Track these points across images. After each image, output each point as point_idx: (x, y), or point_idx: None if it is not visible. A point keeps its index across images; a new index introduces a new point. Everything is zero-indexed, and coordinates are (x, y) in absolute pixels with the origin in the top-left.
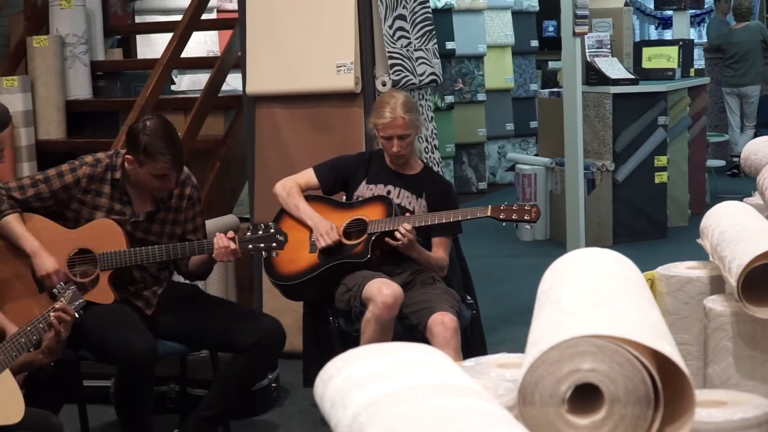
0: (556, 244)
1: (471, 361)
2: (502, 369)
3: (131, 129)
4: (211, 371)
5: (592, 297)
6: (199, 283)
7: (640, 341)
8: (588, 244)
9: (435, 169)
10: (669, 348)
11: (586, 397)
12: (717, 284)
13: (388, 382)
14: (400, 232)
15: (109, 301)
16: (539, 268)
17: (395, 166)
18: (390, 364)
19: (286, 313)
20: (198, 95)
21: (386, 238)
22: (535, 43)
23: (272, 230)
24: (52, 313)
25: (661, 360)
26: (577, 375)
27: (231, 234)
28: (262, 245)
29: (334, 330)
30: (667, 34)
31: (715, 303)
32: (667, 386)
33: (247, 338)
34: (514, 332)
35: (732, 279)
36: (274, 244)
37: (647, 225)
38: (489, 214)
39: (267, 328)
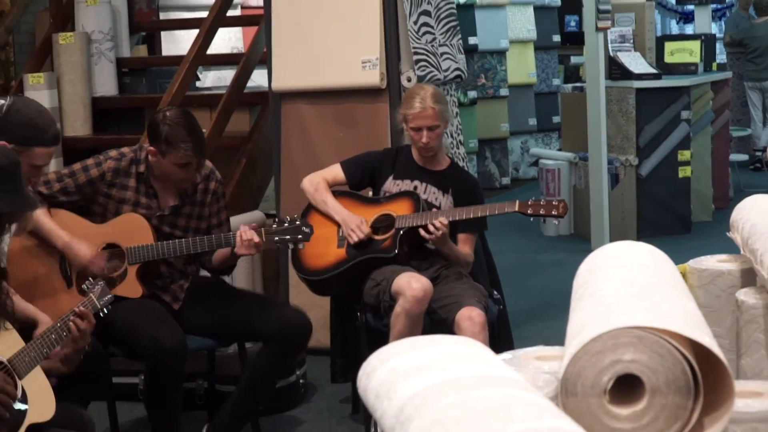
0: (581, 239)
1: (508, 354)
2: (540, 361)
3: (152, 120)
4: (239, 367)
5: (630, 289)
6: (226, 278)
7: (680, 332)
8: (612, 239)
9: (461, 164)
10: (708, 339)
11: (627, 387)
12: (748, 277)
13: (433, 373)
14: (434, 225)
15: (137, 295)
16: (564, 263)
17: (423, 160)
18: (433, 356)
19: (313, 309)
20: (223, 91)
21: (421, 231)
22: (557, 38)
23: (298, 222)
24: (71, 317)
25: (699, 351)
26: (618, 366)
27: (254, 225)
28: (288, 237)
29: (362, 325)
30: (689, 29)
31: (747, 296)
32: (706, 377)
33: (271, 325)
34: (541, 327)
35: (764, 271)
36: (300, 236)
37: (671, 219)
38: (517, 209)
39: (290, 316)
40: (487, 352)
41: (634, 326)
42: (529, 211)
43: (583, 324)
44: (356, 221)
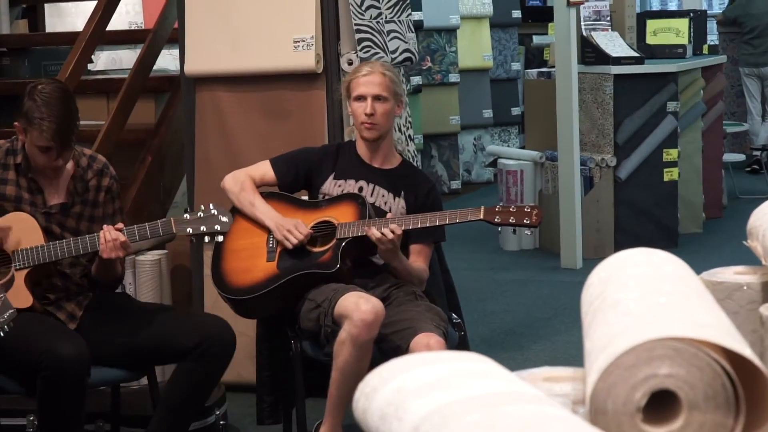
0: (547, 255)
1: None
2: (550, 383)
3: (23, 92)
4: (148, 405)
5: (658, 299)
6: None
7: (720, 344)
8: (586, 254)
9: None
10: (749, 351)
11: (661, 404)
12: None
13: (450, 391)
14: (384, 235)
15: (27, 305)
16: (528, 283)
17: (370, 157)
18: (445, 373)
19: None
20: (120, 76)
21: (369, 230)
22: (517, 13)
23: (214, 211)
24: None
25: (737, 365)
26: (653, 381)
27: (120, 225)
28: (204, 229)
29: (296, 355)
30: (672, 5)
31: None
32: (746, 392)
33: (189, 340)
34: (505, 358)
35: None
36: (218, 227)
37: (655, 231)
38: (482, 216)
39: (212, 326)
40: (502, 368)
41: (670, 337)
42: (496, 219)
43: (610, 337)
44: (291, 223)
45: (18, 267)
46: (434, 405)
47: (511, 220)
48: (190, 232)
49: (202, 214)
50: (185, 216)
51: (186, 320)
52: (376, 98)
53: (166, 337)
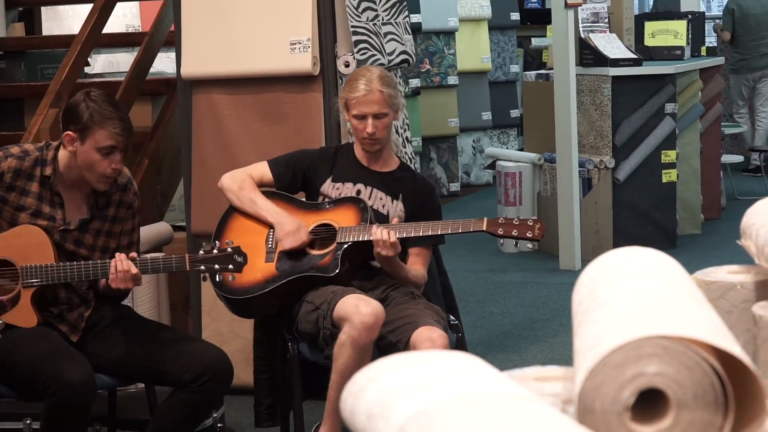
0: (545, 256)
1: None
2: (540, 383)
3: (69, 104)
4: (145, 409)
5: (648, 297)
6: (128, 303)
7: (709, 342)
8: (584, 255)
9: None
10: (738, 350)
11: (650, 402)
12: (764, 290)
13: (437, 390)
14: (385, 243)
15: (31, 324)
16: (526, 285)
17: (368, 160)
18: (433, 373)
19: (232, 340)
20: (117, 78)
21: (372, 230)
22: (515, 15)
23: (230, 249)
24: None
25: (727, 363)
26: (641, 379)
27: (133, 255)
28: (217, 267)
29: (294, 358)
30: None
31: (766, 310)
32: (735, 391)
33: (187, 373)
34: (502, 360)
35: None
36: (231, 266)
37: (653, 232)
38: (485, 228)
39: (210, 362)
40: (491, 367)
41: (658, 335)
42: (499, 231)
43: (599, 335)
44: (294, 225)
45: (25, 285)
46: (421, 404)
47: (514, 232)
48: (203, 269)
49: (217, 252)
50: (200, 253)
51: (186, 349)
52: (376, 116)
53: (164, 365)
